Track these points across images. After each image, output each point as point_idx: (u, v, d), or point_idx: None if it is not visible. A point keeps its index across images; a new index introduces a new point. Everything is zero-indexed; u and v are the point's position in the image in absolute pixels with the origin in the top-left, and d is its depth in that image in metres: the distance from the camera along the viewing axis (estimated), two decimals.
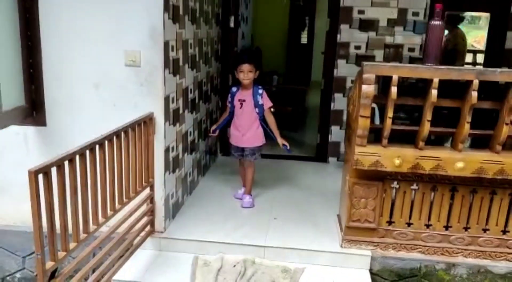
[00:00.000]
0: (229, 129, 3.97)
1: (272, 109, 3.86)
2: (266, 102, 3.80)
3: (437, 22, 2.76)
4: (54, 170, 2.07)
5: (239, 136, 3.86)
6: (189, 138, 3.95)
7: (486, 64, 5.02)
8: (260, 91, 3.79)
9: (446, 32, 6.03)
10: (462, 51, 5.80)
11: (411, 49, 4.90)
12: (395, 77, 2.78)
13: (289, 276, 3.01)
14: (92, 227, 2.49)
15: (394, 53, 4.90)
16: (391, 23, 4.84)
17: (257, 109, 3.78)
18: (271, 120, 3.82)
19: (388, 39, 4.89)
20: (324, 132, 5.22)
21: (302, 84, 8.25)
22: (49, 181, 2.04)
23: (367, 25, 4.87)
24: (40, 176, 1.97)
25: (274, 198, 4.06)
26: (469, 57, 6.20)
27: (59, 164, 2.10)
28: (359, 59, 4.86)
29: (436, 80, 2.73)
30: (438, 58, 2.81)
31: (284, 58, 9.91)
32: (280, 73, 8.65)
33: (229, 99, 3.90)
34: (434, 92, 2.74)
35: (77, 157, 2.26)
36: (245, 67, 3.68)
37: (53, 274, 2.18)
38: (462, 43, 5.77)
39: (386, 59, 4.90)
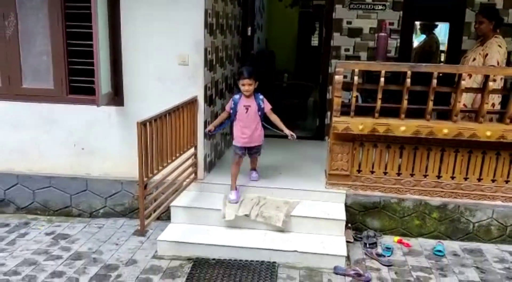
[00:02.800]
0: (233, 132, 4.63)
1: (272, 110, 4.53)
2: (267, 105, 4.46)
3: (383, 34, 4.22)
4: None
5: (247, 138, 4.47)
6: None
7: (447, 62, 6.38)
8: (261, 97, 4.45)
9: (424, 37, 7.43)
10: (435, 52, 7.17)
11: (388, 51, 6.29)
12: (356, 70, 4.23)
13: (288, 205, 4.46)
14: (163, 165, 4.00)
15: (375, 54, 6.30)
16: (372, 31, 6.25)
17: (259, 113, 4.44)
18: (274, 117, 4.50)
19: (371, 44, 6.30)
20: (322, 117, 6.66)
21: (310, 81, 9.68)
22: (146, 130, 3.55)
23: (354, 32, 6.29)
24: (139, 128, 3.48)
25: (280, 162, 5.49)
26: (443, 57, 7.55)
27: (149, 121, 3.61)
28: (348, 59, 6.27)
29: (383, 72, 4.17)
30: (385, 57, 4.24)
31: (294, 59, 11.38)
32: (290, 71, 10.13)
33: (231, 105, 4.46)
34: (382, 79, 4.18)
35: (158, 119, 3.77)
36: (246, 81, 4.31)
37: (144, 187, 3.68)
38: (435, 46, 7.14)
39: (369, 58, 6.29)
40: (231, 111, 4.47)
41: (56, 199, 5.00)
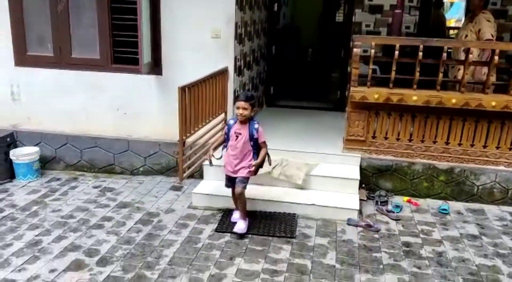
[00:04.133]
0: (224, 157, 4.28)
1: (266, 144, 4.10)
2: (261, 137, 4.06)
3: (398, 10, 4.60)
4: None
5: (232, 167, 4.11)
6: (246, 88, 5.94)
7: None
8: (256, 125, 4.03)
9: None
10: (442, 26, 7.52)
11: (407, 27, 6.64)
12: (373, 44, 4.64)
13: (308, 166, 4.96)
14: (198, 127, 4.54)
15: (390, 30, 6.64)
16: (392, 7, 6.58)
17: (251, 142, 4.03)
18: (263, 153, 4.08)
19: (390, 20, 6.64)
20: (342, 89, 7.08)
21: (334, 57, 10.02)
22: (185, 94, 4.08)
23: (374, 9, 6.64)
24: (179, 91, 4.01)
25: (302, 129, 5.97)
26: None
27: (188, 86, 4.14)
28: (369, 34, 6.63)
29: (397, 46, 4.58)
30: (399, 32, 4.63)
31: (318, 35, 11.70)
32: (314, 47, 10.49)
33: (226, 130, 4.17)
34: (396, 53, 4.59)
35: (195, 85, 4.29)
36: (241, 104, 3.93)
37: (183, 144, 4.23)
38: (442, 21, 7.48)
39: (388, 34, 6.64)
40: (225, 135, 4.19)
41: (101, 157, 5.62)
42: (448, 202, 4.91)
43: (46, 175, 5.55)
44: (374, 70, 5.08)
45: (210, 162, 4.16)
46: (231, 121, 4.15)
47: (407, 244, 4.06)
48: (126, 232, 4.16)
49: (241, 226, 4.13)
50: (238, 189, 4.10)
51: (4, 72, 5.58)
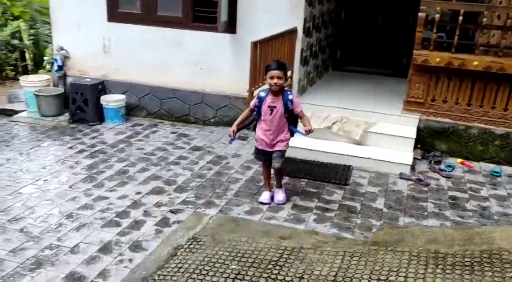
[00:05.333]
0: (255, 133, 4.03)
1: (304, 113, 3.91)
2: (298, 107, 3.84)
3: None
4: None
5: (268, 142, 3.89)
6: (313, 49, 6.29)
7: None
8: (290, 96, 3.80)
9: None
10: None
11: None
12: (438, 9, 4.82)
13: (367, 124, 5.29)
14: None
15: None
16: None
17: (286, 115, 3.81)
18: (305, 119, 3.87)
19: None
20: (408, 56, 7.20)
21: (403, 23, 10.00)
22: (257, 48, 4.53)
23: None
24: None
25: (364, 92, 6.27)
26: None
27: (260, 41, 4.58)
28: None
29: (461, 11, 4.73)
30: None
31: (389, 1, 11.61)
32: (384, 14, 10.46)
33: (256, 103, 3.88)
34: (460, 18, 4.75)
35: (266, 41, 4.72)
36: (275, 73, 3.69)
37: (251, 94, 4.71)
38: None
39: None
40: (256, 109, 3.92)
41: (178, 108, 6.25)
42: (502, 166, 5.08)
43: (130, 120, 6.27)
44: (441, 37, 5.25)
45: (232, 139, 3.98)
46: (262, 94, 3.85)
47: (453, 198, 4.35)
48: (198, 169, 4.76)
49: (280, 197, 4.08)
50: (277, 164, 3.91)
51: (98, 27, 6.29)
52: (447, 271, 2.73)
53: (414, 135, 5.09)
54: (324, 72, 7.27)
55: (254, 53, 4.56)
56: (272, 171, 4.09)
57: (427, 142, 5.36)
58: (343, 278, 2.78)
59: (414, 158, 5.07)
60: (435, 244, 3.07)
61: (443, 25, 5.36)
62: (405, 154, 4.97)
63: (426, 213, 4.03)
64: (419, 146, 5.31)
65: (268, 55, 4.90)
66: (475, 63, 4.90)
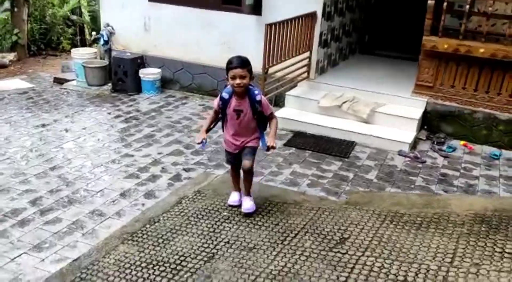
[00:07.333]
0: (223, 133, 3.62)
1: (274, 114, 3.47)
2: (266, 109, 3.37)
3: None
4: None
5: (237, 145, 3.47)
6: (335, 32, 6.66)
7: None
8: (258, 97, 3.30)
9: None
10: None
11: None
12: None
13: (376, 104, 5.66)
14: (281, 60, 5.47)
15: None
16: None
17: (255, 116, 3.36)
18: (274, 125, 3.43)
19: None
20: None
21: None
22: (271, 30, 5.01)
23: None
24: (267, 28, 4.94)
25: (377, 74, 6.58)
26: None
27: (274, 24, 5.06)
28: None
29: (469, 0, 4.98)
30: None
31: None
32: None
33: (220, 105, 3.39)
34: (467, 6, 4.99)
35: (281, 24, 5.19)
36: (237, 72, 3.17)
37: (266, 72, 5.20)
38: None
39: None
40: (220, 111, 3.46)
41: (207, 83, 6.84)
42: (503, 150, 5.32)
43: (164, 92, 6.94)
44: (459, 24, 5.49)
45: (203, 144, 3.40)
46: (225, 96, 3.34)
47: (444, 175, 4.69)
48: (216, 137, 5.33)
49: (248, 204, 3.58)
50: (247, 163, 3.43)
51: (140, 7, 6.95)
52: (398, 227, 3.17)
53: (418, 116, 5.42)
54: (349, 55, 7.61)
55: (269, 35, 5.04)
56: (242, 174, 3.60)
57: (433, 124, 5.66)
58: (311, 227, 3.29)
59: (419, 138, 5.41)
60: (398, 206, 3.50)
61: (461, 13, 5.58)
62: (407, 133, 5.32)
63: (412, 186, 4.42)
64: (425, 127, 5.63)
65: (284, 36, 5.36)
66: (481, 50, 5.14)
